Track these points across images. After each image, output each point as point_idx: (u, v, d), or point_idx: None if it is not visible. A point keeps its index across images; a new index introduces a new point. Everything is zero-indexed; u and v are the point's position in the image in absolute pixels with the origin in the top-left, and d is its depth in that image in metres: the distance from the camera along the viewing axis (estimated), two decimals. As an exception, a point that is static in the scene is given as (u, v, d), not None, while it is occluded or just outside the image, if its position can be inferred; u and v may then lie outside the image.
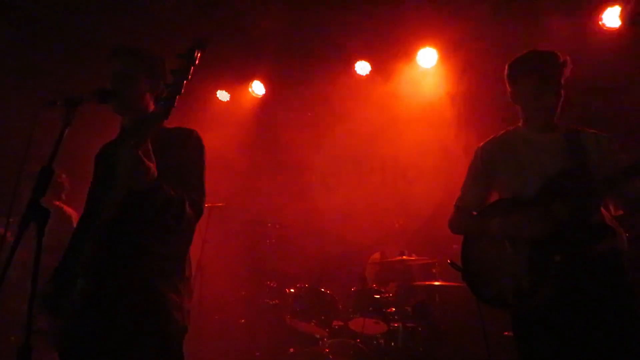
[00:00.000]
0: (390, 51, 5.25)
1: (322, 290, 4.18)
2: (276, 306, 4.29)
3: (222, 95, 5.94)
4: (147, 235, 1.91)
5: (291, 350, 3.78)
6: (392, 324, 3.98)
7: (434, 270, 4.44)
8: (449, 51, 5.20)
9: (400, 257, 4.21)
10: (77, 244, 1.97)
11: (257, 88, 5.88)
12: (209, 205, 4.02)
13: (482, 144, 2.42)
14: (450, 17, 4.75)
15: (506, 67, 2.34)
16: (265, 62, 5.44)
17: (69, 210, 3.80)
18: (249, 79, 5.83)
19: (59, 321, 1.86)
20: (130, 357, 1.84)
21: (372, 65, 5.49)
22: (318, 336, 4.05)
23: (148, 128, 1.77)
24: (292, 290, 4.21)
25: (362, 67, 5.51)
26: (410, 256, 4.31)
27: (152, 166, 1.77)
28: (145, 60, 2.13)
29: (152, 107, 2.16)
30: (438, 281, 4.22)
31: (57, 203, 3.79)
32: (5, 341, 3.55)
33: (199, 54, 1.82)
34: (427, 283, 4.26)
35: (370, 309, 3.98)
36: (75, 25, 4.32)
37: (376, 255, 4.98)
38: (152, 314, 1.87)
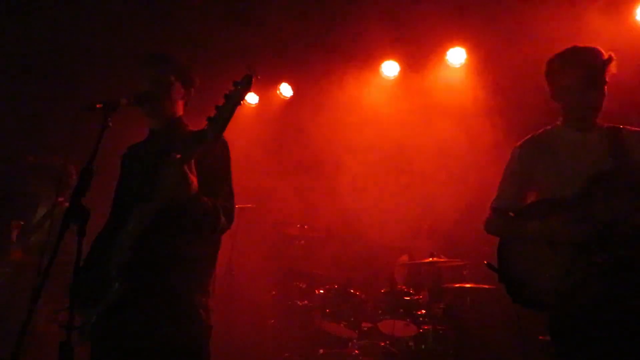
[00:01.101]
0: (419, 51, 5.21)
1: (351, 291, 4.18)
2: (305, 307, 4.30)
3: (250, 97, 6.00)
4: (181, 241, 1.97)
5: (321, 351, 3.78)
6: (422, 327, 3.94)
7: (464, 272, 4.37)
8: (479, 50, 5.12)
9: (429, 259, 4.16)
10: (105, 244, 2.02)
11: (285, 90, 5.92)
12: (239, 206, 4.05)
13: (519, 143, 2.37)
14: (480, 15, 4.69)
15: (546, 63, 2.28)
16: (292, 63, 5.47)
17: None
18: (276, 81, 5.87)
19: (92, 318, 1.92)
20: (160, 356, 1.89)
21: (401, 65, 5.46)
22: (347, 338, 4.04)
23: (196, 147, 1.83)
24: (321, 291, 4.21)
25: (391, 67, 5.48)
26: (440, 258, 4.25)
27: (195, 180, 1.84)
28: (179, 68, 2.19)
29: (181, 112, 2.22)
30: (469, 283, 4.15)
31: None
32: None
33: (251, 83, 1.84)
34: (458, 285, 4.19)
35: (401, 310, 3.95)
36: (110, 32, 4.44)
37: (404, 257, 4.94)
38: (182, 315, 1.93)
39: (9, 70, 4.50)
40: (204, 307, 1.98)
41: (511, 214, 2.29)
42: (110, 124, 1.85)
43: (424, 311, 4.03)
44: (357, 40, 5.06)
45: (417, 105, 5.46)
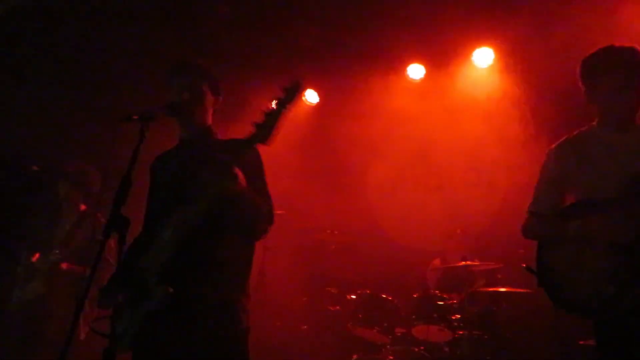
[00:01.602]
0: (444, 52, 5.15)
1: (384, 296, 4.14)
2: (337, 312, 4.29)
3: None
4: (223, 244, 2.00)
5: (354, 357, 3.76)
6: (457, 332, 3.87)
7: (499, 276, 4.29)
8: (506, 49, 5.03)
9: (462, 263, 4.09)
10: (139, 252, 2.06)
11: (311, 96, 5.94)
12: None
13: (553, 146, 2.33)
14: (507, 13, 4.61)
15: (581, 64, 2.23)
16: (317, 70, 5.49)
17: None
18: (302, 87, 5.89)
19: (131, 324, 1.95)
20: (202, 358, 1.91)
21: (427, 67, 5.42)
22: (380, 343, 4.01)
23: (245, 150, 1.87)
24: (353, 296, 4.19)
25: (416, 70, 5.45)
26: (473, 261, 4.18)
27: (244, 178, 1.87)
28: (209, 76, 2.23)
29: (210, 121, 2.26)
30: (504, 287, 4.05)
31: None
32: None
33: (299, 89, 1.86)
34: (492, 289, 4.11)
35: (435, 315, 3.90)
36: (142, 43, 4.56)
37: (436, 261, 4.87)
38: (224, 318, 1.96)
39: (46, 80, 4.68)
40: (244, 310, 2.01)
41: (550, 216, 2.24)
42: (147, 134, 1.90)
43: (458, 316, 3.96)
44: (382, 44, 5.04)
45: (443, 107, 5.41)
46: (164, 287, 1.86)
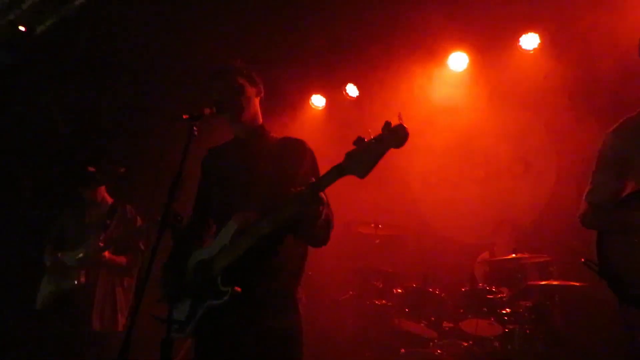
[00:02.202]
0: (488, 40, 5.00)
1: (430, 290, 4.09)
2: (384, 306, 4.27)
3: (317, 99, 6.07)
4: (287, 246, 2.07)
5: (402, 351, 3.74)
6: (507, 326, 3.77)
7: (551, 269, 4.13)
8: (553, 33, 4.82)
9: (512, 256, 3.97)
10: (193, 240, 2.17)
11: (351, 90, 5.92)
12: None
13: (611, 129, 2.19)
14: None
15: None
16: (356, 63, 5.46)
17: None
18: (342, 82, 5.89)
19: (193, 315, 2.03)
20: (263, 352, 1.98)
21: (470, 55, 5.27)
22: (428, 337, 3.97)
23: (333, 179, 1.85)
24: (399, 290, 4.17)
25: (459, 59, 5.31)
26: (523, 254, 4.04)
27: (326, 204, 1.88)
28: (244, 71, 2.28)
29: (259, 112, 2.31)
30: (557, 281, 3.90)
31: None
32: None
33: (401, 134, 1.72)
34: (544, 283, 3.96)
35: (484, 309, 3.81)
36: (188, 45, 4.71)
37: (485, 254, 4.75)
38: (286, 310, 2.04)
39: (98, 82, 4.91)
40: (299, 300, 2.12)
41: (610, 205, 2.12)
42: (196, 132, 1.96)
43: (508, 310, 3.85)
44: (422, 34, 4.95)
45: (488, 96, 5.26)
46: (233, 289, 1.92)
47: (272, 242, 2.00)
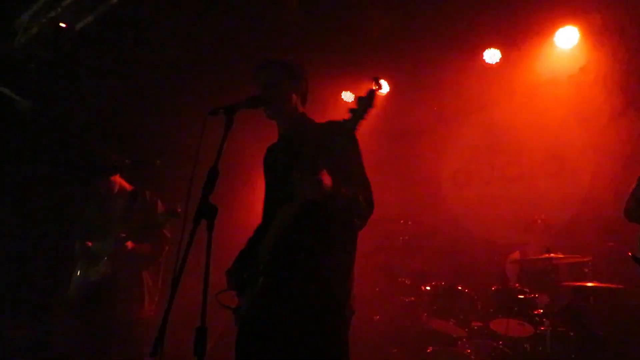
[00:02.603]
0: (523, 33, 4.88)
1: (459, 288, 4.04)
2: (411, 304, 4.25)
3: (347, 96, 6.06)
4: (322, 237, 2.08)
5: (430, 349, 3.71)
6: (539, 327, 3.70)
7: (586, 270, 4.01)
8: (592, 26, 4.68)
9: (545, 255, 3.89)
10: (259, 239, 2.22)
11: (382, 85, 5.88)
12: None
13: None
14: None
15: None
16: (388, 58, 5.42)
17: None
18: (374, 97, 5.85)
19: (242, 303, 2.11)
20: (299, 344, 2.00)
21: (504, 50, 5.17)
22: (456, 336, 3.92)
23: (319, 157, 1.90)
24: (427, 287, 4.13)
25: (493, 54, 5.22)
26: (557, 254, 3.95)
27: (329, 180, 1.91)
28: (284, 67, 2.30)
29: (299, 106, 2.33)
30: (592, 282, 3.81)
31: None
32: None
33: (375, 93, 1.89)
34: (578, 284, 3.87)
35: (515, 309, 3.74)
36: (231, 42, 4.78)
37: (515, 254, 4.67)
38: (324, 303, 2.02)
39: (134, 76, 5.04)
40: (346, 293, 2.07)
41: None
42: (232, 126, 2.00)
43: (540, 310, 3.77)
44: (456, 29, 4.88)
45: (521, 92, 5.16)
46: (264, 275, 2.00)
47: (302, 234, 2.02)
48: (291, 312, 2.01)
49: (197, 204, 1.89)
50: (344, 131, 1.88)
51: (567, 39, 4.85)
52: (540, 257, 3.94)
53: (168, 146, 5.00)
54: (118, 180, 3.79)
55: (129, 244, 3.55)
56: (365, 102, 1.84)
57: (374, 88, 1.86)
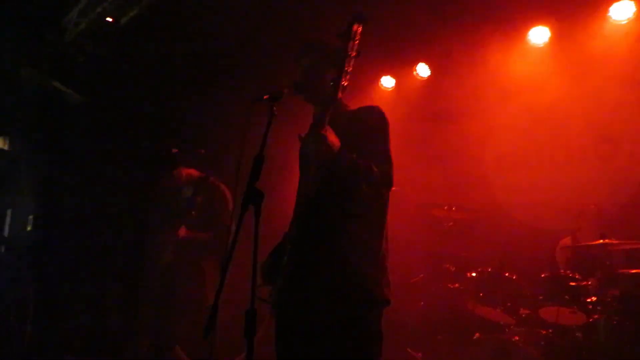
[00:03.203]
0: (574, 9, 4.64)
1: (506, 275, 3.94)
2: (457, 290, 4.18)
3: (387, 81, 5.97)
4: (340, 215, 2.05)
5: (476, 335, 3.65)
6: (592, 316, 3.56)
7: (642, 257, 3.83)
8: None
9: (600, 241, 3.72)
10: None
11: (422, 70, 5.76)
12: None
13: None
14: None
15: None
16: (428, 41, 5.28)
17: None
18: (413, 62, 5.74)
19: (274, 291, 2.12)
20: (328, 329, 1.99)
21: (552, 29, 4.93)
22: (504, 323, 3.85)
23: (323, 113, 1.92)
24: (473, 274, 4.04)
25: (540, 33, 4.99)
26: (612, 240, 3.78)
27: (336, 140, 1.91)
28: (325, 51, 2.27)
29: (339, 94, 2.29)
30: (650, 269, 3.63)
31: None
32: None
33: (358, 29, 1.90)
34: (635, 271, 3.69)
35: (566, 297, 3.62)
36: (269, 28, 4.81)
37: (566, 240, 4.51)
38: (347, 289, 1.99)
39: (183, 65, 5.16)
40: (373, 281, 2.03)
41: None
42: (276, 112, 2.01)
43: (594, 298, 3.63)
44: (500, 8, 4.69)
45: (571, 72, 4.90)
46: (286, 258, 2.02)
47: (320, 215, 2.01)
48: (315, 298, 2.00)
49: (244, 190, 1.93)
50: (329, 91, 1.90)
51: (622, 12, 4.57)
52: (594, 243, 3.79)
53: (212, 135, 5.10)
54: (184, 170, 3.87)
55: (182, 232, 3.64)
56: (345, 38, 1.86)
57: (351, 23, 1.87)
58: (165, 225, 3.83)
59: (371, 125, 2.12)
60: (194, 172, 3.90)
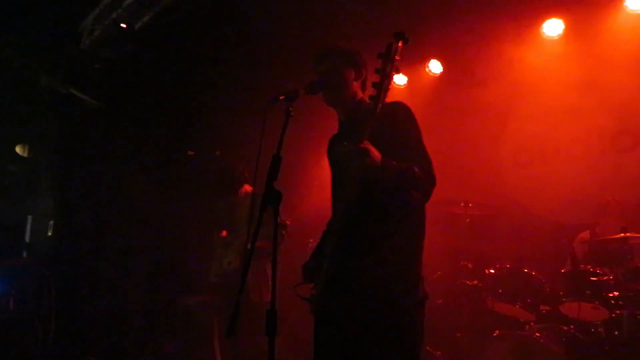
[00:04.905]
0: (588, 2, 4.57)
1: (526, 271, 3.90)
2: (475, 287, 4.15)
3: (399, 78, 5.96)
4: (388, 220, 2.04)
5: (496, 332, 3.61)
6: (615, 311, 3.50)
7: (666, 251, 3.76)
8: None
9: (621, 235, 3.67)
10: (329, 229, 2.27)
11: (434, 67, 5.73)
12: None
13: None
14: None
15: None
16: (440, 38, 5.25)
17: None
18: (424, 59, 5.71)
19: (315, 292, 2.15)
20: (368, 330, 2.00)
21: (566, 21, 4.87)
22: (524, 320, 3.80)
23: (364, 127, 1.91)
24: (491, 271, 4.01)
25: (554, 25, 4.93)
26: (634, 234, 3.71)
27: (376, 152, 1.90)
28: (344, 54, 2.28)
29: (359, 93, 2.30)
30: (674, 263, 3.56)
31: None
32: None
33: (398, 48, 1.92)
34: (657, 266, 3.62)
35: (587, 292, 3.56)
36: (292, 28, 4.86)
37: (584, 234, 4.44)
38: (395, 293, 1.99)
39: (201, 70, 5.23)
40: (418, 279, 2.06)
41: None
42: (292, 113, 2.02)
43: (616, 293, 3.56)
44: (513, 1, 4.64)
45: (587, 64, 4.83)
46: (327, 263, 2.03)
47: (364, 217, 2.00)
48: (361, 298, 2.00)
49: (263, 190, 1.95)
50: (371, 106, 1.90)
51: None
52: (615, 237, 3.73)
53: (228, 137, 5.15)
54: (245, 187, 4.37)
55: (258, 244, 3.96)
56: (385, 58, 1.88)
57: (391, 42, 1.89)
58: (232, 234, 4.26)
59: (401, 122, 2.11)
60: (248, 188, 4.37)
